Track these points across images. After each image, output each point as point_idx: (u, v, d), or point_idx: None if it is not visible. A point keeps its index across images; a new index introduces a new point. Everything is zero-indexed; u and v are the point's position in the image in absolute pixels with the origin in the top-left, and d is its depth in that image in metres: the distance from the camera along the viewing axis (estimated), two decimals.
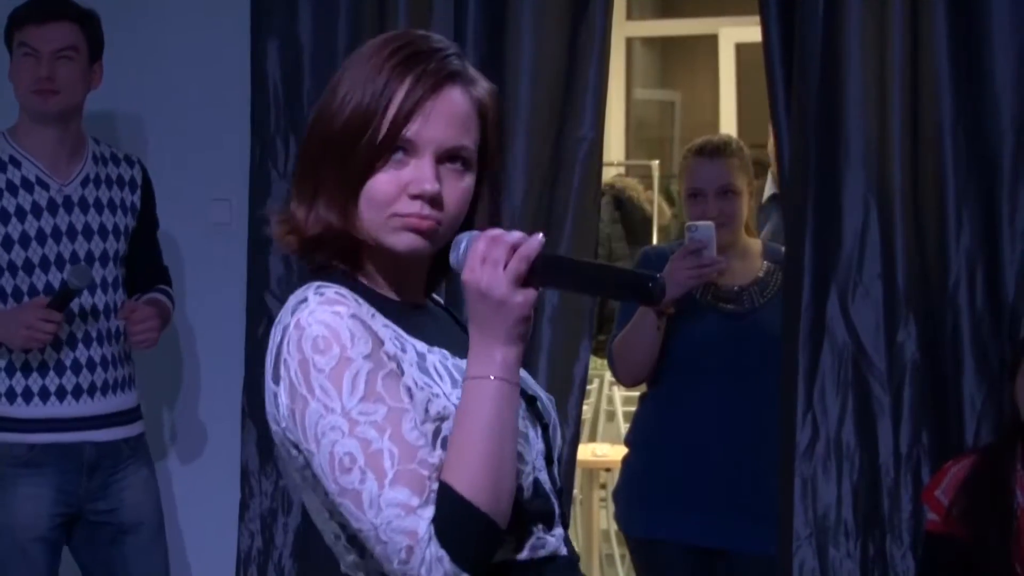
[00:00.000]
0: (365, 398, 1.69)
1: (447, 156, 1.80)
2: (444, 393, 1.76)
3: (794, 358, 3.49)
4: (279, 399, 1.75)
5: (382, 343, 1.74)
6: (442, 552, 1.66)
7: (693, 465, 3.46)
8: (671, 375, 3.53)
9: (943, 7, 3.45)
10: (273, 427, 1.80)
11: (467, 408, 1.72)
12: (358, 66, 1.81)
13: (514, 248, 1.73)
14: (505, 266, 1.72)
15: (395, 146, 1.77)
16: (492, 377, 1.71)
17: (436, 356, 1.81)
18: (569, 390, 3.75)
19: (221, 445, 4.12)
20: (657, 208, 6.71)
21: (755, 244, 3.65)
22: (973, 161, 3.45)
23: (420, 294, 1.91)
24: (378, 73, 1.78)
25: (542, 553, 1.80)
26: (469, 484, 1.67)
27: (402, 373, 1.74)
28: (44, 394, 3.46)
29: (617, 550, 6.32)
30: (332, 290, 1.76)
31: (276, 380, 1.76)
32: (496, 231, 1.75)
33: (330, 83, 1.84)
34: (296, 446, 1.76)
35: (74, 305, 3.46)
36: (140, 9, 4.16)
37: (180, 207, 3.97)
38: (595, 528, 5.78)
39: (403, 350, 1.77)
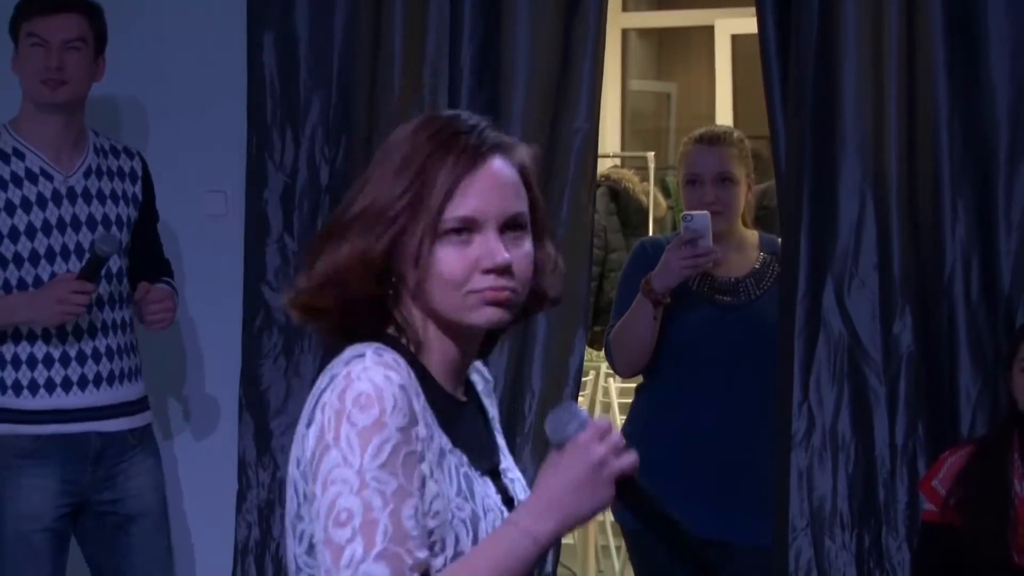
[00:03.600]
0: (384, 466, 1.70)
1: (507, 225, 1.81)
2: (448, 496, 1.78)
3: (790, 349, 3.50)
4: (306, 441, 1.77)
5: (416, 423, 1.74)
6: None
7: (689, 456, 3.47)
8: (667, 367, 3.53)
9: None
10: (291, 469, 1.81)
11: (493, 543, 1.74)
12: (395, 152, 1.81)
13: (622, 449, 1.76)
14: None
15: (454, 227, 1.78)
16: (532, 539, 1.72)
17: (455, 458, 1.81)
18: (564, 381, 3.76)
19: (218, 437, 4.13)
20: (653, 200, 6.70)
21: (751, 236, 3.65)
22: (969, 152, 3.45)
23: (461, 384, 1.91)
24: (419, 154, 1.79)
25: None
26: None
27: (422, 460, 1.75)
28: (50, 386, 3.48)
29: (613, 541, 6.32)
30: (391, 356, 1.77)
31: (309, 423, 1.77)
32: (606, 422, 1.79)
33: (365, 172, 1.84)
34: (303, 489, 1.78)
35: None
36: (136, 0, 4.15)
37: (175, 198, 3.97)
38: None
39: (431, 438, 1.78)
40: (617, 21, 7.54)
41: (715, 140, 3.55)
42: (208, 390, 4.20)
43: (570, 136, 3.74)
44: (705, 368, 3.48)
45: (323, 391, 1.76)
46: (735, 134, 3.62)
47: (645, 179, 6.72)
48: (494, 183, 1.80)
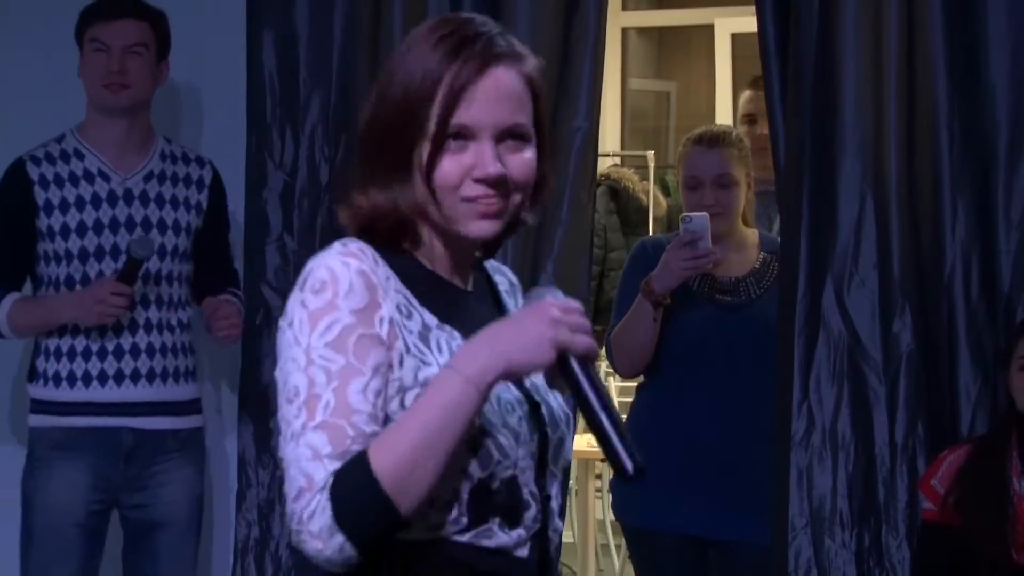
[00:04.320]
0: (330, 345, 1.76)
1: (505, 134, 1.84)
2: (437, 363, 1.81)
3: (790, 349, 3.50)
4: (280, 332, 1.83)
5: (378, 307, 1.78)
6: (328, 505, 1.71)
7: (689, 455, 3.47)
8: (668, 366, 3.53)
9: None
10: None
11: (426, 393, 1.77)
12: (406, 57, 1.86)
13: (581, 329, 1.78)
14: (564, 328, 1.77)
15: (451, 132, 1.82)
16: (462, 376, 1.74)
17: (443, 333, 1.85)
18: None
19: (218, 436, 4.12)
20: (653, 199, 6.70)
21: (751, 235, 3.65)
22: (969, 151, 3.45)
23: (466, 276, 1.95)
24: (426, 61, 1.83)
25: (486, 543, 1.83)
26: (383, 461, 1.71)
27: (398, 337, 1.79)
28: (86, 378, 3.54)
29: (613, 540, 6.33)
30: (356, 245, 1.82)
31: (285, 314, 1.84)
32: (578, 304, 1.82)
33: (380, 75, 1.89)
34: None
35: None
36: None
37: None
38: (591, 518, 5.79)
39: (408, 317, 1.82)
40: (617, 20, 7.54)
41: (714, 141, 3.55)
42: (208, 389, 4.20)
43: (570, 135, 3.73)
44: (705, 367, 3.49)
45: (297, 282, 1.83)
46: (734, 134, 3.62)
47: (645, 178, 6.72)
48: (494, 93, 1.83)
